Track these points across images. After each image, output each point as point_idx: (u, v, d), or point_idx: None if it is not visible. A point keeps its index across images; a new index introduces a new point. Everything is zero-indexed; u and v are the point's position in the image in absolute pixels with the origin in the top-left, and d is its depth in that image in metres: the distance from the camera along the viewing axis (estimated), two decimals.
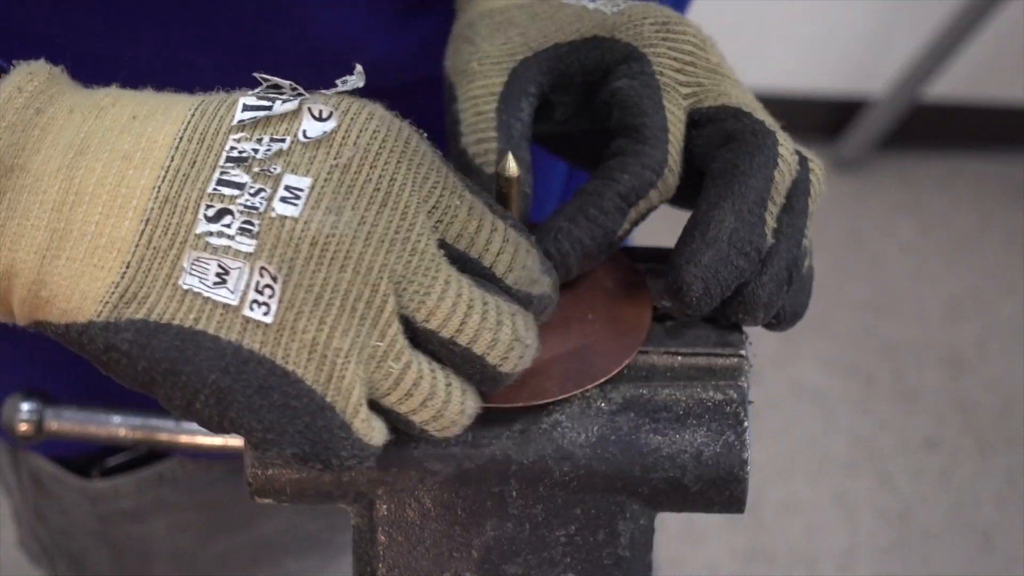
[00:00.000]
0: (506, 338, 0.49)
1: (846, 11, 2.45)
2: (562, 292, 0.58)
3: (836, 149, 2.55)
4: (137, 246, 0.46)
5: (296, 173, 0.47)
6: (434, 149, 0.50)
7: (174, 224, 0.46)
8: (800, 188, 0.55)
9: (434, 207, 0.49)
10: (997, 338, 2.27)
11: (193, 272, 0.46)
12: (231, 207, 0.46)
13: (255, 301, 0.46)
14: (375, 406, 0.48)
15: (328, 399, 0.46)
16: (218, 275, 0.46)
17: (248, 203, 0.47)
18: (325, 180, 0.47)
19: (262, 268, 0.46)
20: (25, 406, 0.66)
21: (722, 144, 0.55)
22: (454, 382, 0.49)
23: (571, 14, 0.58)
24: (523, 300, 0.51)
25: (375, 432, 0.48)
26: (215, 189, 0.47)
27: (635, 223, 0.56)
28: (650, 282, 0.58)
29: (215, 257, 0.46)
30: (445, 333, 0.48)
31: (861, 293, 2.33)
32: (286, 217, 0.46)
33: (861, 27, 2.50)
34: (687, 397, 0.54)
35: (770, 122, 0.56)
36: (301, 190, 0.47)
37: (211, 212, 0.46)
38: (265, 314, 0.46)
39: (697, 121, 0.56)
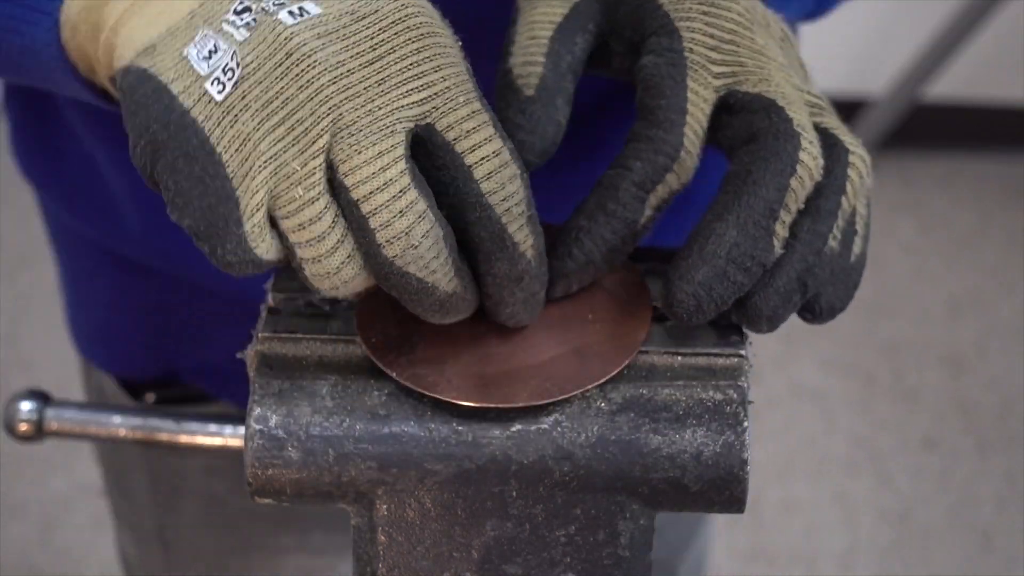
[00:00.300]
0: (399, 228, 0.49)
1: (846, 11, 2.44)
2: None
3: None
4: (180, 21, 0.51)
5: (314, 0, 0.50)
6: (461, 55, 0.51)
7: (214, 11, 0.51)
8: (831, 187, 0.53)
9: (435, 94, 0.50)
10: (997, 338, 2.27)
11: (196, 44, 0.50)
12: (252, 5, 0.50)
13: (217, 79, 0.49)
14: (275, 224, 0.50)
15: (236, 192, 0.49)
16: (209, 52, 0.50)
17: (265, 6, 0.50)
18: (334, 18, 0.50)
19: (234, 53, 0.49)
20: (25, 406, 0.66)
21: (745, 142, 0.54)
22: (347, 242, 0.50)
23: None
24: (484, 222, 0.50)
25: (263, 244, 0.50)
26: None
27: (658, 209, 0.54)
28: (650, 282, 0.58)
29: (216, 36, 0.50)
30: (354, 195, 0.49)
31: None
32: (280, 23, 0.49)
33: (861, 27, 2.50)
34: (687, 397, 0.54)
35: (801, 120, 0.54)
36: (308, 13, 0.50)
37: (240, 7, 0.50)
38: (219, 92, 0.49)
39: (732, 105, 0.54)
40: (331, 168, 0.49)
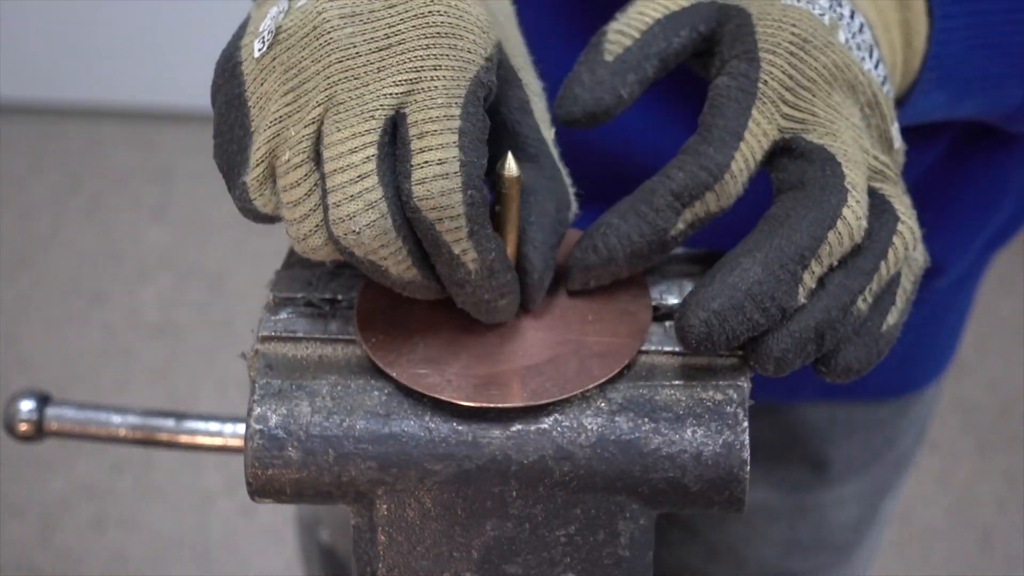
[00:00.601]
0: (345, 212, 0.50)
1: None
2: (562, 292, 0.58)
3: None
4: None
5: None
6: (486, 64, 0.52)
7: None
8: (872, 249, 0.53)
9: (419, 88, 0.51)
10: (997, 338, 2.27)
11: (278, 3, 0.54)
12: None
13: (263, 37, 0.53)
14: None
15: (249, 145, 0.53)
16: (277, 12, 0.53)
17: None
18: (368, 1, 0.52)
19: (282, 15, 0.53)
20: (25, 406, 0.66)
21: (792, 187, 0.54)
22: (318, 213, 0.52)
23: None
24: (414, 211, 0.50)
25: (260, 197, 0.53)
26: None
27: (691, 226, 0.54)
28: (650, 282, 0.59)
29: (281, 6, 0.53)
30: (325, 168, 0.51)
31: None
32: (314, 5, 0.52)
33: None
34: (687, 397, 0.54)
35: (854, 179, 0.53)
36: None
37: None
38: (259, 50, 0.53)
39: (793, 151, 0.54)
40: (319, 140, 0.51)
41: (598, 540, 0.54)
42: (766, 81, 0.54)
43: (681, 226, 0.54)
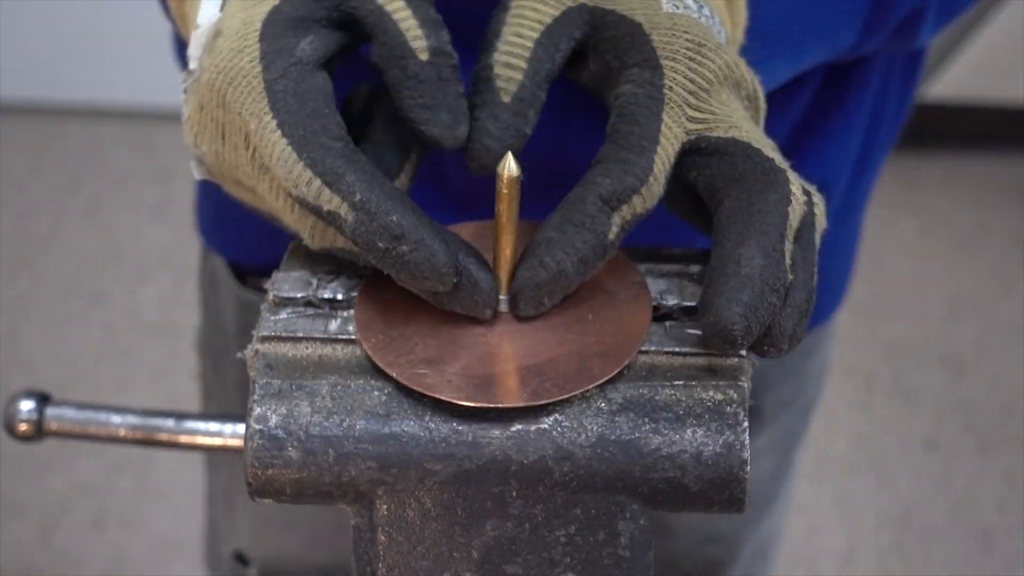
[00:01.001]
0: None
1: None
2: None
3: None
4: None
5: (185, 102, 0.58)
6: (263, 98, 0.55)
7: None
8: (807, 223, 0.56)
9: (245, 131, 0.55)
10: (997, 338, 2.27)
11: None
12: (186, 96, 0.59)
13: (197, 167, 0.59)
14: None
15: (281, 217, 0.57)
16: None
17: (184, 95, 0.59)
18: (194, 114, 0.58)
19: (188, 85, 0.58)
20: (25, 406, 0.66)
21: (733, 180, 0.55)
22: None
23: None
24: None
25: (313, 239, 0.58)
26: (187, 78, 0.58)
27: (623, 229, 0.55)
28: (650, 282, 0.59)
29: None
30: (277, 222, 0.58)
31: (861, 293, 2.33)
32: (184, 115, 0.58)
33: None
34: (687, 397, 0.54)
35: (779, 160, 0.56)
36: (184, 117, 0.58)
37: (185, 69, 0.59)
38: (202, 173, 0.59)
39: (704, 149, 0.56)
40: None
41: (598, 540, 0.54)
42: (671, 87, 0.56)
43: (615, 230, 0.55)
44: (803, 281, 0.54)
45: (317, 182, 0.53)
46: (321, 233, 0.56)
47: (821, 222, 0.57)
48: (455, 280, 0.54)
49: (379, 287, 0.58)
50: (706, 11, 0.59)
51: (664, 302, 0.58)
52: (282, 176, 0.54)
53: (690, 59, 0.56)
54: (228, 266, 0.89)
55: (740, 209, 0.54)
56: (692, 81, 0.56)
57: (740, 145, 0.56)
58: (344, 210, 0.53)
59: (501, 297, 0.57)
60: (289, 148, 0.53)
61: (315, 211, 0.54)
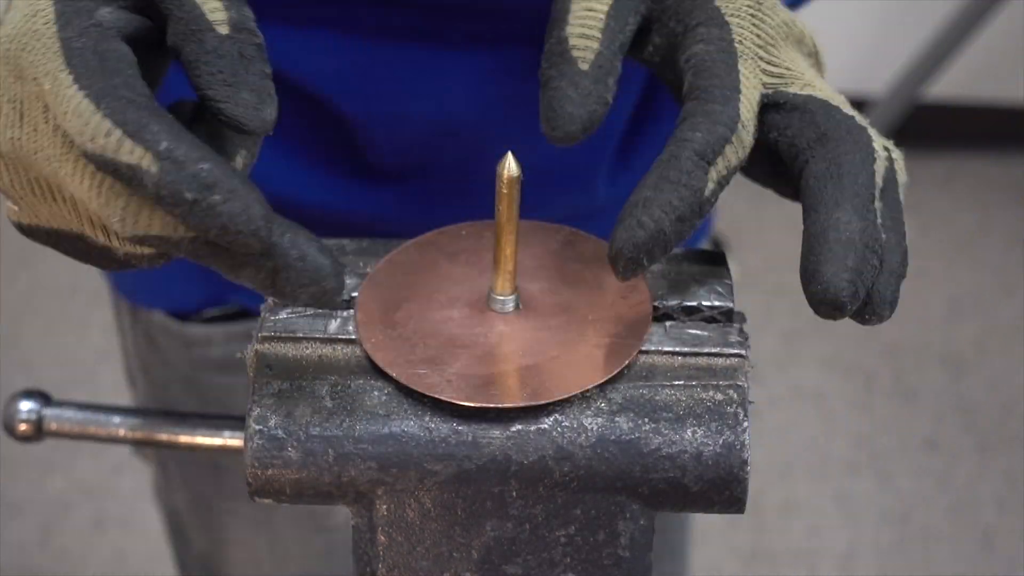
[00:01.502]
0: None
1: (846, 11, 2.44)
2: (562, 292, 0.58)
3: None
4: None
5: None
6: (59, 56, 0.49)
7: None
8: (891, 180, 0.55)
9: (43, 97, 0.50)
10: (997, 338, 2.27)
11: None
12: None
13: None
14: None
15: (91, 239, 0.54)
16: None
17: None
18: None
19: None
20: (24, 406, 0.66)
21: (817, 140, 0.55)
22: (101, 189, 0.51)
23: None
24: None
25: (144, 251, 0.53)
26: None
27: (720, 184, 0.54)
28: (650, 282, 0.58)
29: None
30: (83, 212, 0.52)
31: None
32: None
33: (861, 27, 2.50)
34: (687, 397, 0.54)
35: (860, 117, 0.56)
36: None
37: None
38: (13, 203, 0.54)
39: (783, 105, 0.55)
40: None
41: (598, 540, 0.54)
42: (740, 41, 0.55)
43: (712, 185, 0.54)
44: (896, 242, 0.54)
45: (117, 132, 0.47)
46: (135, 213, 0.49)
47: (902, 177, 0.56)
48: (272, 241, 0.49)
49: (379, 287, 0.58)
50: None
51: (664, 302, 0.58)
52: (77, 131, 0.47)
53: (752, 15, 0.56)
54: (166, 315, 0.88)
55: (829, 171, 0.53)
56: (759, 36, 0.56)
57: (818, 102, 0.55)
58: (147, 161, 0.46)
59: (501, 297, 0.57)
60: (86, 100, 0.47)
61: (114, 170, 0.47)
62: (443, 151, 0.71)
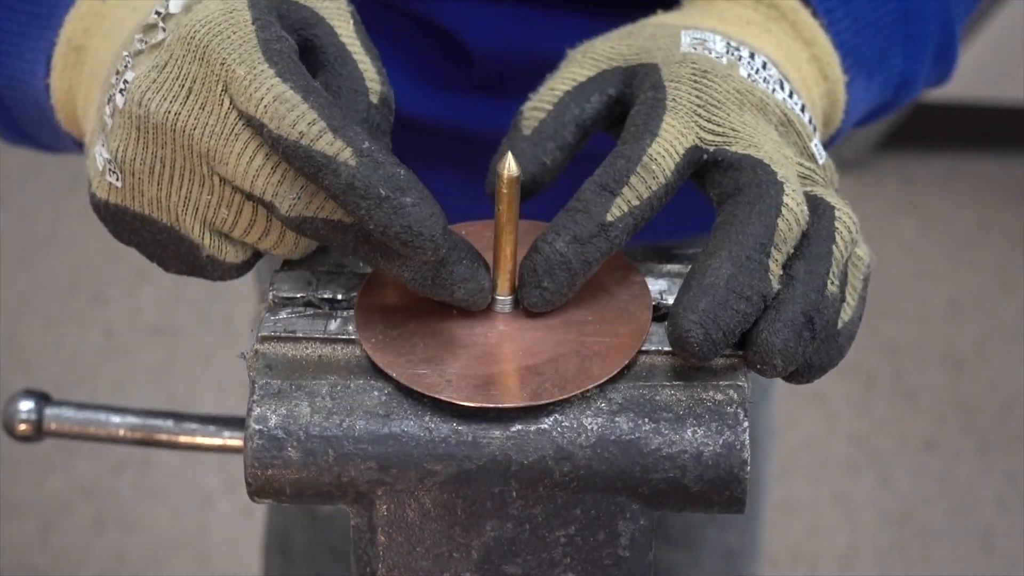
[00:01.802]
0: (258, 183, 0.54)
1: None
2: None
3: (836, 149, 2.54)
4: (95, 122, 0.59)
5: (131, 69, 0.56)
6: (255, 44, 0.54)
7: (99, 102, 0.59)
8: (819, 235, 0.55)
9: (227, 80, 0.54)
10: (997, 338, 2.27)
11: (96, 142, 0.58)
12: (110, 92, 0.57)
13: (109, 169, 0.57)
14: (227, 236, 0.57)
15: (182, 232, 0.57)
16: (99, 150, 0.58)
17: (112, 92, 0.57)
18: (145, 75, 0.56)
19: (103, 142, 0.57)
20: (24, 406, 0.66)
21: (730, 194, 0.56)
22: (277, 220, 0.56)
23: (666, 42, 0.61)
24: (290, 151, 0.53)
25: (228, 254, 0.58)
26: (117, 79, 0.57)
27: (632, 213, 0.55)
28: (650, 282, 0.58)
29: (102, 134, 0.58)
30: (244, 187, 0.55)
31: None
32: (118, 106, 0.56)
33: None
34: (687, 397, 0.54)
35: (786, 174, 0.56)
36: (128, 82, 0.56)
37: (107, 98, 0.58)
38: (116, 179, 0.57)
39: (720, 162, 0.57)
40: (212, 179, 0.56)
41: (598, 540, 0.54)
42: (674, 99, 0.58)
43: (618, 211, 0.55)
44: (801, 294, 0.54)
45: (321, 124, 0.51)
46: (310, 195, 0.54)
47: (847, 237, 0.56)
48: (444, 252, 0.53)
49: (379, 287, 0.58)
50: (743, 54, 0.60)
51: (664, 302, 0.58)
52: (278, 115, 0.52)
53: (694, 82, 0.58)
54: None
55: (725, 221, 0.55)
56: (699, 97, 0.57)
57: (752, 161, 0.56)
58: (347, 155, 0.51)
59: (501, 298, 0.57)
60: (292, 92, 0.52)
61: (304, 158, 0.51)
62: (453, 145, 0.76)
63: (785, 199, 0.55)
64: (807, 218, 0.56)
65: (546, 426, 0.53)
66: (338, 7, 0.59)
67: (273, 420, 0.54)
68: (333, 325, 0.57)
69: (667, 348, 0.56)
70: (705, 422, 0.54)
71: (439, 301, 0.56)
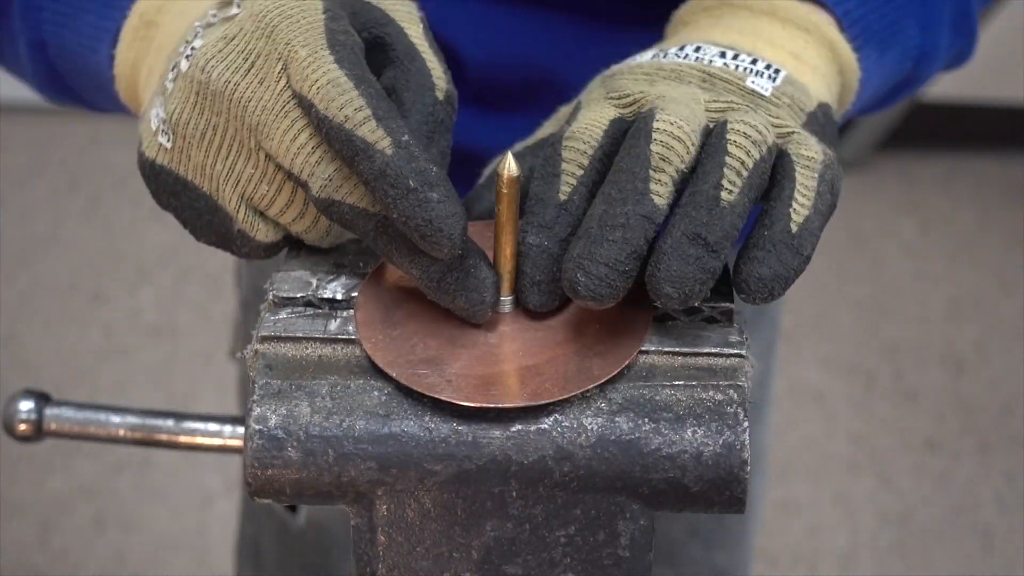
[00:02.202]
0: (301, 165, 0.56)
1: None
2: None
3: (836, 149, 2.54)
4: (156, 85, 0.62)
5: (200, 38, 0.59)
6: (321, 29, 0.57)
7: (162, 72, 0.61)
8: (708, 151, 0.55)
9: (288, 59, 0.56)
10: (997, 338, 2.27)
11: (154, 104, 0.60)
12: (176, 60, 0.60)
13: (162, 130, 0.59)
14: (263, 213, 0.59)
15: (224, 207, 0.59)
16: (156, 111, 0.60)
17: (177, 60, 0.60)
18: (212, 44, 0.58)
19: (164, 107, 0.59)
20: (24, 406, 0.66)
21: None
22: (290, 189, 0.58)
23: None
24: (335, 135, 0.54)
25: (259, 231, 0.59)
26: (185, 46, 0.60)
27: (582, 185, 0.56)
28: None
29: (161, 96, 0.60)
30: (284, 163, 0.56)
31: (861, 293, 2.33)
32: (182, 70, 0.59)
33: None
34: (687, 397, 0.54)
35: (665, 106, 0.56)
36: (195, 48, 0.58)
37: (171, 65, 0.60)
38: (167, 140, 0.59)
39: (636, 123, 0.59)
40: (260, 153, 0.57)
41: (598, 540, 0.54)
42: (588, 99, 0.61)
43: (566, 188, 0.56)
44: (680, 215, 0.53)
45: (367, 111, 0.53)
46: (342, 178, 0.55)
47: (745, 144, 0.55)
48: (460, 250, 0.54)
49: (379, 287, 0.58)
50: (697, 52, 0.62)
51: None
52: (328, 98, 0.54)
53: (602, 82, 0.62)
54: None
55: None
56: (606, 87, 0.61)
57: (645, 110, 0.58)
58: (385, 144, 0.53)
59: (503, 297, 0.57)
60: (345, 78, 0.54)
61: (345, 141, 0.53)
62: (547, 94, 0.75)
63: (656, 124, 0.55)
64: (694, 138, 0.55)
65: (546, 426, 0.53)
66: (408, 11, 0.61)
67: (273, 420, 0.54)
68: (333, 325, 0.57)
69: (667, 348, 0.56)
70: (705, 422, 0.54)
71: (440, 305, 0.56)
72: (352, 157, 0.53)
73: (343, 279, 0.59)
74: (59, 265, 2.33)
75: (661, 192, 0.54)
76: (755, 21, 0.65)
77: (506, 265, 0.56)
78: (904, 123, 2.48)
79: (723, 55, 0.62)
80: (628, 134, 0.57)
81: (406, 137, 0.53)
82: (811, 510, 2.01)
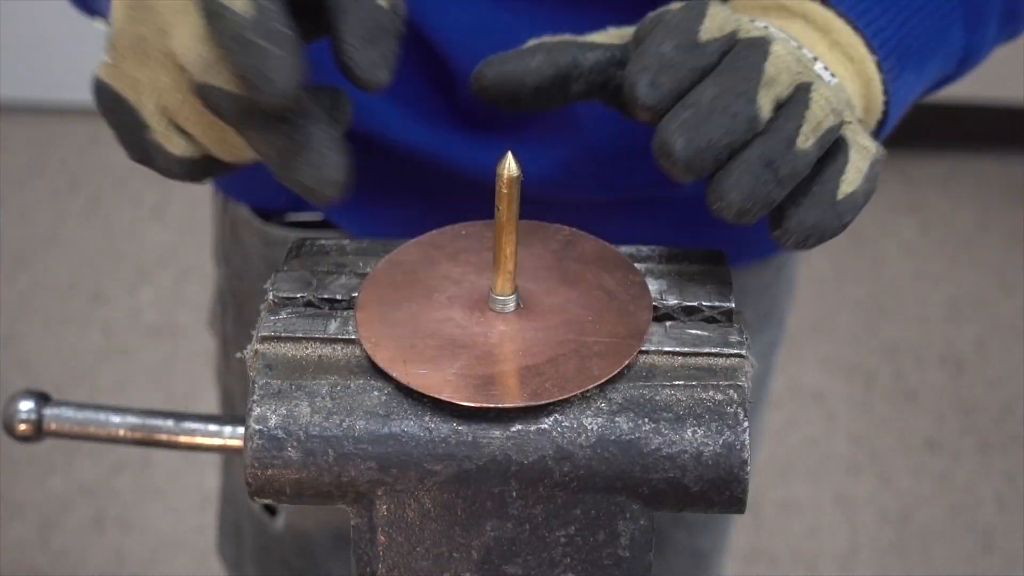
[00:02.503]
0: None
1: None
2: (562, 292, 0.58)
3: None
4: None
5: None
6: None
7: None
8: (796, 99, 0.56)
9: None
10: (997, 338, 2.27)
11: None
12: None
13: (106, 47, 0.59)
14: (182, 129, 0.59)
15: (143, 118, 0.59)
16: (106, 31, 0.59)
17: None
18: None
19: (107, 22, 0.59)
20: (24, 406, 0.66)
21: None
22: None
23: None
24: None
25: (173, 143, 0.59)
26: None
27: (723, 40, 0.57)
28: (650, 282, 0.58)
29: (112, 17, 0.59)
30: (179, 58, 0.56)
31: (861, 293, 2.33)
32: None
33: None
34: (687, 397, 0.54)
35: (779, 41, 0.58)
36: None
37: None
38: (109, 56, 0.59)
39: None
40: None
41: (598, 540, 0.54)
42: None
43: (706, 33, 0.56)
44: (762, 140, 0.55)
45: None
46: (216, 61, 0.55)
47: (824, 108, 0.57)
48: (297, 105, 0.53)
49: (379, 287, 0.58)
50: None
51: (664, 302, 0.58)
52: None
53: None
54: (251, 211, 0.91)
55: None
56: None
57: (755, 31, 0.58)
58: (240, 4, 0.52)
59: (501, 298, 0.57)
60: None
61: (207, 5, 0.53)
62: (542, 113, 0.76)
63: (773, 47, 0.56)
64: (794, 77, 0.57)
65: (546, 426, 0.53)
66: None
67: (273, 420, 0.54)
68: (333, 325, 0.57)
69: (667, 348, 0.56)
70: (705, 422, 0.54)
71: (301, 195, 0.55)
72: (209, 20, 0.53)
73: (343, 279, 0.59)
74: (59, 265, 2.33)
75: (764, 107, 0.55)
76: (810, 32, 0.66)
77: (506, 265, 0.56)
78: (904, 123, 2.48)
79: (793, 41, 0.62)
80: (741, 44, 0.57)
81: (267, 3, 0.52)
82: (811, 510, 2.01)
